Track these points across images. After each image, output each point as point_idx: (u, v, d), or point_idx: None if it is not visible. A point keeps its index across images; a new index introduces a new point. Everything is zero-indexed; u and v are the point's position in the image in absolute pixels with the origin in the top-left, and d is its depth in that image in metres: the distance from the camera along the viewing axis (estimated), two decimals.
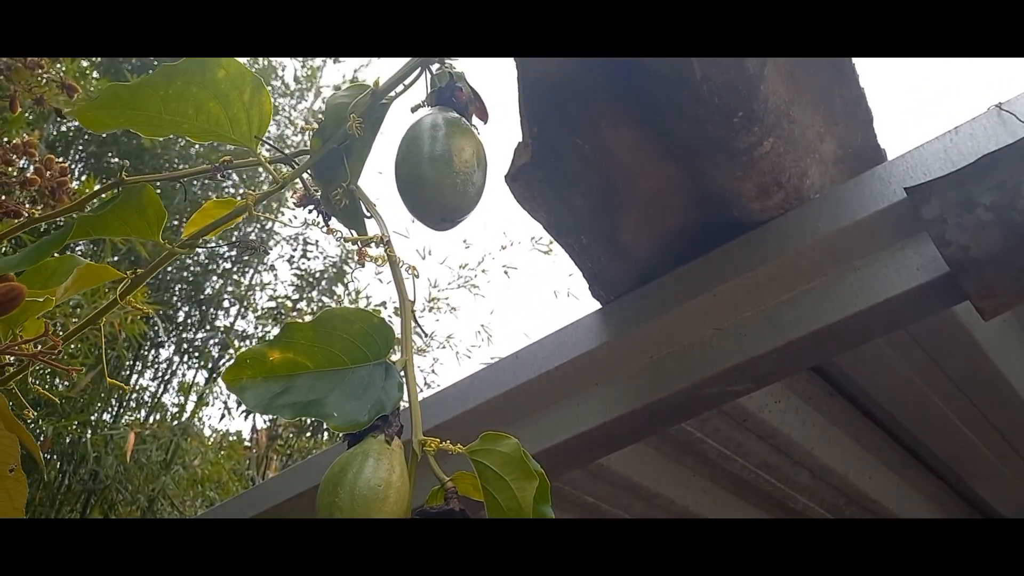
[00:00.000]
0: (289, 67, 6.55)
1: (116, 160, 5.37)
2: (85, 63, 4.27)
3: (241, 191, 5.48)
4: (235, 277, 6.20)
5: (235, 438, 6.59)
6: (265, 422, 6.36)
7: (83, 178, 4.85)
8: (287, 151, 0.82)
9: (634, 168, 1.06)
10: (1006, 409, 1.55)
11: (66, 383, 4.20)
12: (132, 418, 5.33)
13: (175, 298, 5.84)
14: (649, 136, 1.02)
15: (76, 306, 3.63)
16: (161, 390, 5.80)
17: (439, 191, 0.72)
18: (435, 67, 0.80)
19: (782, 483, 1.67)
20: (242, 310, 6.25)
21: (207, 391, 6.10)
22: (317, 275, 6.47)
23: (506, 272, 6.86)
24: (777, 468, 1.61)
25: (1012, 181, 0.88)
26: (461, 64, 0.81)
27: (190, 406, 5.93)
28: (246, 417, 6.34)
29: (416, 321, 0.70)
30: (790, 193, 1.04)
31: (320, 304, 6.37)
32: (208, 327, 6.09)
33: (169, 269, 5.42)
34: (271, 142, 0.80)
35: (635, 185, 1.08)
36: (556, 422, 1.22)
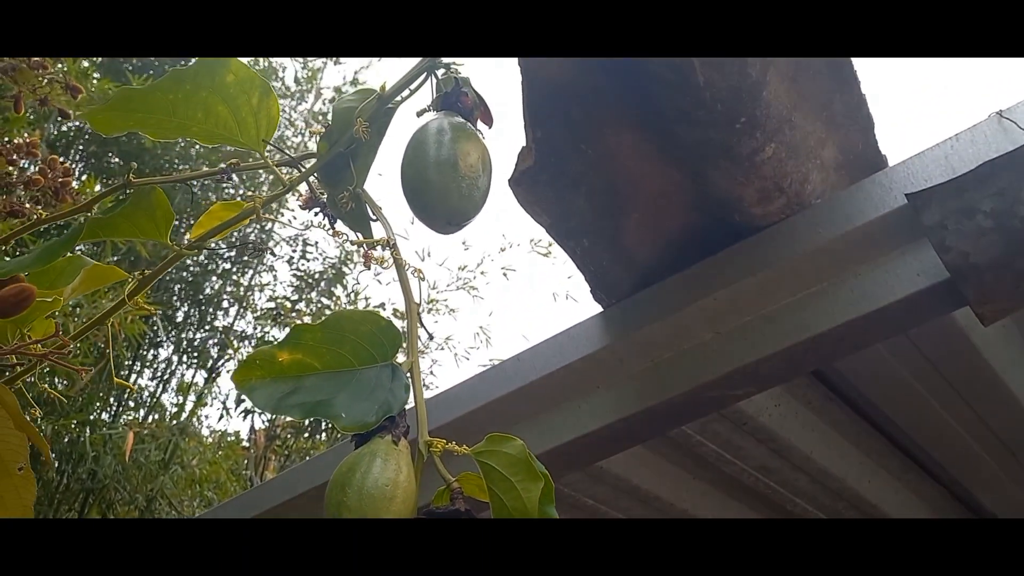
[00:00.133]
0: (289, 68, 6.56)
1: (116, 160, 5.38)
2: (86, 63, 4.27)
3: (240, 192, 5.48)
4: (234, 277, 6.20)
5: (233, 438, 6.59)
6: (264, 423, 6.37)
7: (83, 178, 4.85)
8: (287, 153, 0.82)
9: (636, 172, 1.07)
10: (1005, 415, 1.56)
11: (64, 382, 4.20)
12: (131, 418, 5.33)
13: (174, 298, 5.84)
14: (652, 140, 1.03)
15: (76, 306, 3.63)
16: (160, 390, 5.80)
17: (445, 195, 0.72)
18: (440, 72, 0.80)
19: (781, 487, 1.67)
20: (241, 310, 6.26)
21: (206, 391, 6.10)
22: (316, 276, 6.48)
23: (505, 274, 6.87)
24: (776, 472, 1.61)
25: (1012, 188, 0.89)
26: (465, 69, 0.81)
27: (189, 406, 5.94)
28: (244, 417, 6.35)
29: (422, 323, 0.70)
30: (791, 198, 1.05)
31: (319, 305, 6.38)
32: (207, 327, 6.10)
33: (169, 269, 5.43)
34: (273, 144, 0.80)
35: (637, 189, 1.08)
36: (557, 424, 1.23)
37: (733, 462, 1.57)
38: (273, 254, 6.20)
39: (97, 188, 3.90)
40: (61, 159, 1.34)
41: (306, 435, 6.55)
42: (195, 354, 6.02)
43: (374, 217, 0.79)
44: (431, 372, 6.88)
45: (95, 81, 4.38)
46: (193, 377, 6.08)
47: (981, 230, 0.90)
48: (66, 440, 4.63)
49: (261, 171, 5.40)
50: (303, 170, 0.81)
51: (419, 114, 0.81)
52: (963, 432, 1.61)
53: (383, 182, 0.80)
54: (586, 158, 1.05)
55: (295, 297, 6.43)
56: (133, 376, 5.47)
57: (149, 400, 5.72)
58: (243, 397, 6.23)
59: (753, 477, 1.63)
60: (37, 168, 1.37)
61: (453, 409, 1.31)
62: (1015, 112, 0.96)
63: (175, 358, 5.95)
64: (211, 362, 6.10)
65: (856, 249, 1.01)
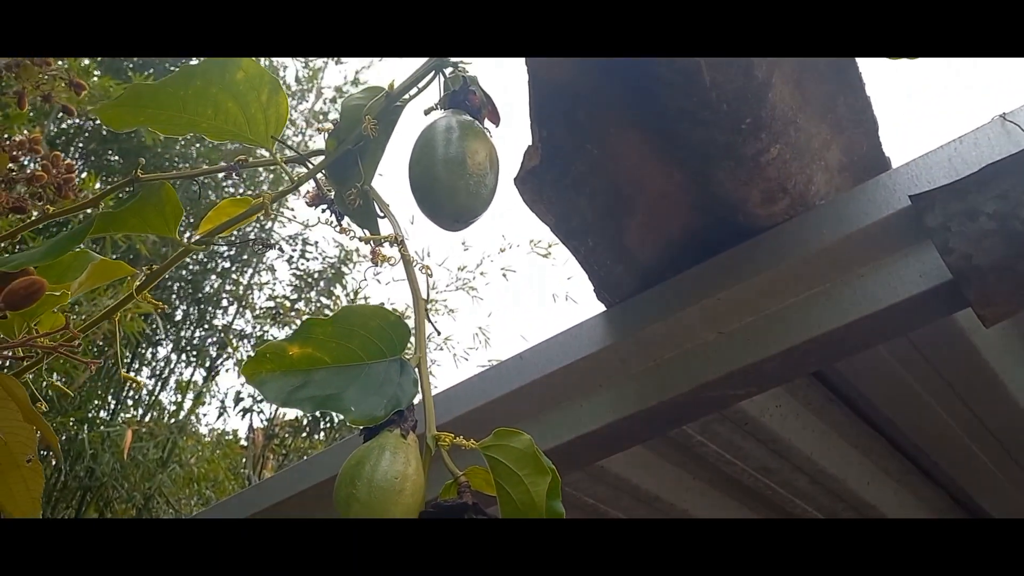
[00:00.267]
0: (290, 68, 6.57)
1: (116, 158, 5.38)
2: (87, 60, 4.28)
3: (241, 192, 5.49)
4: (234, 276, 6.20)
5: (231, 437, 6.59)
6: (262, 422, 6.37)
7: (83, 176, 4.85)
8: (296, 150, 0.83)
9: (641, 172, 1.07)
10: (1005, 418, 1.57)
11: (63, 379, 4.20)
12: (129, 416, 5.34)
13: (174, 296, 5.84)
14: (657, 141, 1.03)
15: (75, 304, 3.63)
16: (158, 388, 5.80)
17: (453, 193, 0.73)
18: (448, 70, 0.81)
19: (781, 487, 1.68)
20: (240, 309, 6.26)
21: (204, 390, 6.10)
22: (316, 276, 6.48)
23: (504, 275, 6.87)
24: (776, 472, 1.62)
25: (1015, 191, 0.90)
26: (472, 68, 0.82)
27: (187, 405, 5.94)
28: (243, 416, 6.35)
29: (429, 319, 0.71)
30: (795, 200, 1.05)
31: (318, 304, 6.38)
32: (206, 326, 6.10)
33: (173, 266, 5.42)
34: (281, 141, 0.81)
35: (642, 189, 1.09)
36: (559, 423, 1.23)
37: (733, 462, 1.57)
38: (281, 250, 6.20)
39: (97, 186, 3.90)
40: (64, 156, 1.34)
41: (304, 435, 6.55)
42: (194, 353, 6.03)
43: (381, 214, 0.80)
44: (430, 372, 6.86)
45: (96, 78, 4.38)
46: (192, 376, 6.08)
47: (984, 232, 0.91)
48: (64, 438, 4.63)
49: (261, 171, 5.41)
50: (310, 167, 0.81)
51: (427, 112, 0.81)
52: (963, 435, 1.62)
53: (383, 182, 0.81)
54: (591, 158, 1.05)
55: (294, 296, 6.43)
56: (132, 375, 5.47)
57: (147, 398, 5.72)
58: (241, 396, 6.24)
59: (753, 477, 1.63)
60: (39, 165, 1.37)
61: (454, 408, 1.31)
62: (1018, 115, 0.97)
63: (174, 356, 5.95)
64: (210, 361, 6.10)
65: (859, 250, 1.02)
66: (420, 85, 0.80)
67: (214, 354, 6.11)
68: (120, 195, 0.93)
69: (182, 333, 5.98)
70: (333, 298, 6.46)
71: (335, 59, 6.47)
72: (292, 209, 6.16)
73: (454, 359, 7.06)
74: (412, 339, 0.66)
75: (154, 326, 5.33)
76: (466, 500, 0.58)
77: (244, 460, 6.29)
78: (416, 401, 0.63)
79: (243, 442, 6.51)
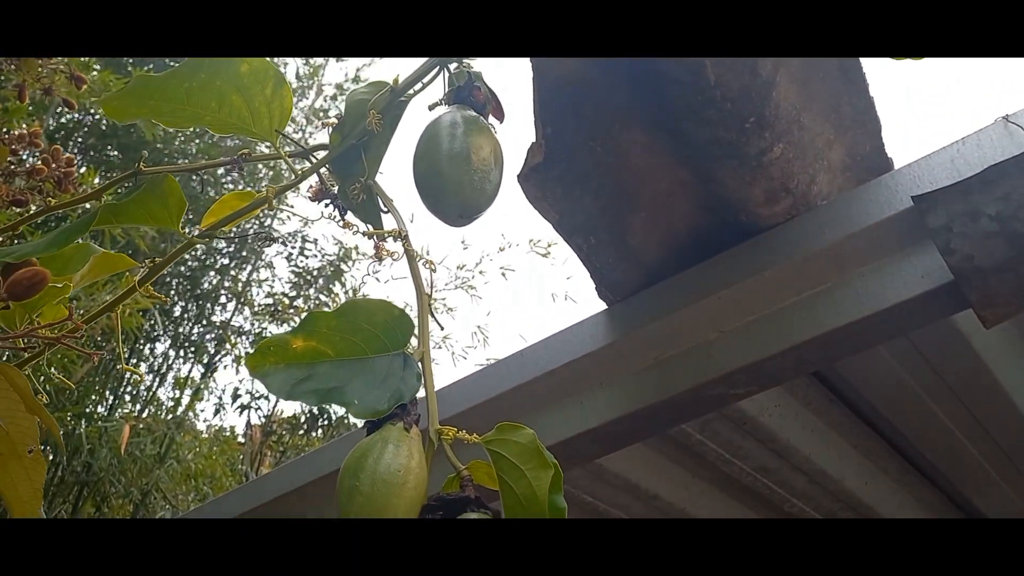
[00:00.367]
0: (291, 65, 6.56)
1: (115, 153, 5.38)
2: None
3: (240, 186, 5.48)
4: (232, 273, 6.20)
5: (229, 434, 6.59)
6: (260, 419, 6.37)
7: (82, 170, 4.85)
8: (299, 144, 0.83)
9: (644, 170, 1.07)
10: (1003, 420, 1.57)
11: (61, 373, 4.20)
12: (127, 411, 5.33)
13: (172, 292, 5.84)
14: (661, 139, 1.03)
15: (73, 298, 3.62)
16: (156, 384, 5.80)
17: (457, 188, 0.73)
18: (453, 66, 0.81)
19: (780, 487, 1.68)
20: (239, 306, 6.25)
21: (202, 386, 6.10)
22: (315, 273, 6.48)
23: (503, 274, 6.87)
24: (775, 472, 1.62)
25: (1017, 192, 0.90)
26: (477, 64, 0.82)
27: (185, 401, 5.94)
28: (240, 413, 6.35)
29: (432, 314, 0.71)
30: (798, 199, 1.06)
31: (317, 302, 6.38)
32: (204, 322, 6.09)
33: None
34: (285, 135, 0.81)
35: (645, 187, 1.09)
36: (559, 420, 1.23)
37: (732, 461, 1.57)
38: (284, 244, 6.19)
39: (96, 181, 3.90)
40: (63, 150, 1.34)
41: (301, 432, 6.55)
42: (192, 349, 6.02)
43: (385, 209, 0.80)
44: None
45: (96, 73, 4.38)
46: (190, 372, 6.08)
47: (986, 233, 0.91)
48: (62, 433, 4.62)
49: (261, 168, 5.41)
50: (314, 161, 0.81)
51: (431, 107, 0.81)
52: (961, 436, 1.62)
53: (382, 181, 0.81)
54: (595, 155, 1.05)
55: (293, 294, 6.43)
56: (132, 367, 5.46)
57: (145, 394, 5.72)
58: (239, 393, 6.24)
59: (751, 477, 1.63)
60: (39, 158, 1.37)
61: (455, 404, 1.31)
62: (1021, 117, 0.97)
63: (172, 352, 5.95)
64: (208, 357, 6.10)
65: (861, 250, 1.02)
66: (425, 80, 0.80)
67: (212, 350, 6.10)
68: (120, 189, 0.93)
69: (180, 329, 5.97)
70: (332, 296, 6.46)
71: (337, 58, 6.47)
72: (292, 206, 6.16)
73: (452, 358, 7.05)
74: (415, 334, 0.66)
75: (152, 322, 5.33)
76: (468, 494, 0.58)
77: (241, 457, 6.29)
78: (419, 395, 0.63)
79: (240, 439, 6.52)
